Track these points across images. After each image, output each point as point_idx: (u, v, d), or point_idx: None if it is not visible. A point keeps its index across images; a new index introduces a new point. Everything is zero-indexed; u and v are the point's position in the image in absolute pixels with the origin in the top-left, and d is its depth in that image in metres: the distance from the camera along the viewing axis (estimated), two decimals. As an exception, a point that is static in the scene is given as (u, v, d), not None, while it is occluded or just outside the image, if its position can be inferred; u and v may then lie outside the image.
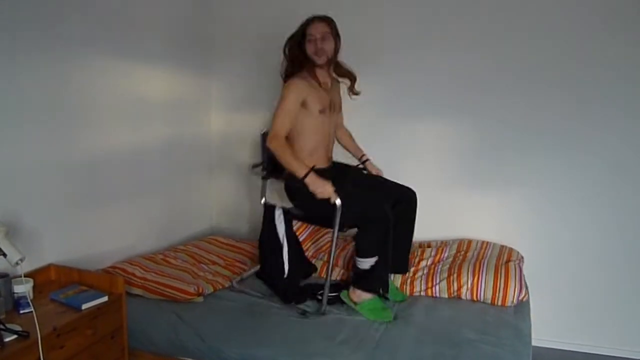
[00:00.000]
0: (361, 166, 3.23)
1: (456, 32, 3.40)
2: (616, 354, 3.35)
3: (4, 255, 2.07)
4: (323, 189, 2.63)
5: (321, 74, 2.90)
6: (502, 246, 3.36)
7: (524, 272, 3.23)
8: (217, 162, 4.07)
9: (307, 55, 2.82)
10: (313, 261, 3.24)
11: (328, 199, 2.63)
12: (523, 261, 3.24)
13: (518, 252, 3.30)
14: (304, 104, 2.80)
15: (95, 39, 2.84)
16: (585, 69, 3.20)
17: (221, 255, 3.39)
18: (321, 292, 2.76)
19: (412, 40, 3.50)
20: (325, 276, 2.77)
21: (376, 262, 2.66)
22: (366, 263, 2.67)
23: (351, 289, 2.74)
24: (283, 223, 2.84)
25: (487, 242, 3.40)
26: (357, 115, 3.43)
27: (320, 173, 2.71)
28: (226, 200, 4.11)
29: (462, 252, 3.27)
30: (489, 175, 3.48)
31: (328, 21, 2.84)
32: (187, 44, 3.69)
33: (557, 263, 3.41)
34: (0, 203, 2.34)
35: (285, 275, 2.80)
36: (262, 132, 3.01)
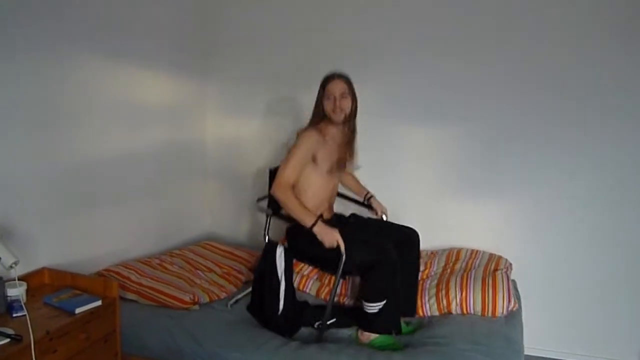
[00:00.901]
0: (366, 203, 3.23)
1: (450, 38, 3.41)
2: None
3: (-2, 258, 2.08)
4: (332, 236, 2.60)
5: (335, 131, 2.90)
6: (491, 254, 3.37)
7: (516, 280, 3.25)
8: (212, 167, 4.08)
9: (325, 112, 2.84)
10: (310, 282, 3.22)
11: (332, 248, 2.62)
12: (511, 268, 3.25)
13: (506, 260, 3.31)
14: (313, 159, 2.80)
15: (91, 43, 2.84)
16: (578, 76, 3.22)
17: (217, 262, 3.39)
18: (319, 322, 2.74)
19: (406, 45, 3.51)
20: (325, 316, 2.73)
21: (385, 305, 2.62)
22: (375, 307, 2.63)
23: (360, 332, 2.71)
24: (283, 262, 2.79)
25: (477, 251, 3.40)
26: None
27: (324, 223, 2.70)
28: (221, 205, 4.12)
29: (451, 264, 3.27)
30: (480, 183, 3.50)
31: (346, 80, 2.85)
32: (184, 48, 3.69)
33: (549, 271, 3.42)
34: (-4, 206, 2.34)
35: (279, 313, 2.78)
36: (270, 169, 3.00)
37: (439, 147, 3.55)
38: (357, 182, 3.31)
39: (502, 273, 3.08)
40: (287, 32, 3.72)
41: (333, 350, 2.45)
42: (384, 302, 2.61)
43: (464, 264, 3.24)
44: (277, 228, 3.27)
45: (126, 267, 3.01)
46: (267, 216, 3.02)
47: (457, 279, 3.03)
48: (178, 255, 3.40)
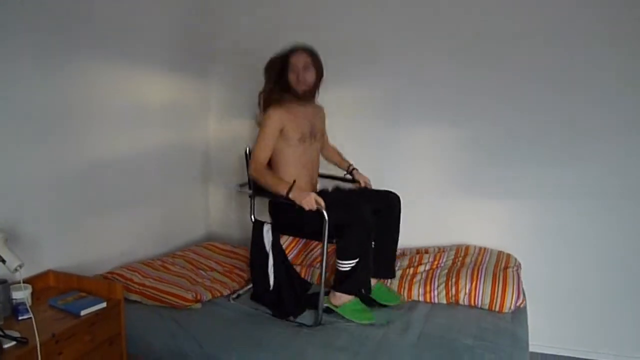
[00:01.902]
0: (349, 176, 3.27)
1: (453, 37, 3.41)
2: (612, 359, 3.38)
3: (3, 261, 2.08)
4: (308, 198, 2.65)
5: (301, 102, 2.94)
6: (500, 252, 3.37)
7: (522, 278, 3.25)
8: (214, 169, 4.08)
9: (289, 83, 2.87)
10: (310, 271, 3.25)
11: (313, 214, 2.65)
12: (521, 268, 3.25)
13: (516, 259, 3.31)
14: (282, 133, 2.85)
15: (94, 46, 2.84)
16: (583, 78, 3.21)
17: (219, 262, 3.40)
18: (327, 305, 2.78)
19: (409, 44, 3.51)
20: (320, 287, 2.77)
21: (356, 263, 2.67)
22: (346, 265, 2.68)
23: (331, 292, 2.77)
24: (270, 238, 2.87)
25: (485, 249, 3.41)
26: (352, 120, 3.44)
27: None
28: (223, 207, 4.11)
29: (460, 258, 3.28)
30: (486, 182, 3.49)
31: (310, 52, 2.89)
32: (186, 49, 3.70)
33: (554, 269, 3.41)
34: (0, 210, 2.34)
35: (271, 287, 2.81)
36: (246, 150, 3.02)
37: (444, 147, 3.55)
38: (339, 155, 3.35)
39: (512, 270, 3.09)
40: (291, 32, 3.71)
41: (336, 348, 2.45)
42: (356, 260, 2.66)
43: (473, 259, 3.25)
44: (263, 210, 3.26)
45: (129, 269, 3.02)
46: (250, 197, 3.06)
47: (468, 270, 3.05)
48: (180, 256, 3.40)
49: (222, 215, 4.13)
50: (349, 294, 2.73)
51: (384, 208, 2.94)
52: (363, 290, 2.78)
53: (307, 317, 2.78)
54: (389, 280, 3.05)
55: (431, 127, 3.56)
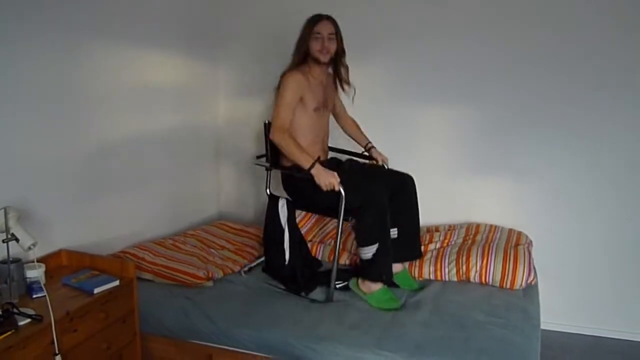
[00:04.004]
0: (366, 154, 3.24)
1: (465, 18, 3.38)
2: (622, 337, 3.37)
3: (17, 240, 2.10)
4: (328, 180, 2.64)
5: (319, 71, 2.94)
6: (511, 230, 3.37)
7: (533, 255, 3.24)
8: (224, 149, 4.08)
9: (310, 52, 2.85)
10: (321, 248, 3.25)
11: (330, 191, 2.65)
12: (532, 245, 3.24)
13: (527, 236, 3.31)
14: (301, 99, 2.84)
15: (105, 28, 2.84)
16: (595, 58, 3.18)
17: (230, 240, 3.41)
18: (338, 282, 2.79)
19: (421, 25, 3.48)
20: (332, 263, 2.78)
21: (377, 249, 2.67)
22: (368, 252, 2.68)
23: (360, 280, 2.76)
24: (286, 213, 2.87)
25: (496, 227, 3.40)
26: (364, 100, 3.42)
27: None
28: (234, 186, 4.13)
29: (471, 236, 3.27)
30: (496, 162, 3.48)
31: (334, 22, 2.88)
32: (195, 30, 3.68)
33: (564, 248, 3.41)
34: (12, 189, 2.36)
35: (287, 262, 2.82)
36: (265, 122, 3.01)
37: (455, 126, 3.54)
38: (359, 129, 3.32)
39: (523, 247, 3.08)
40: (300, 13, 3.68)
41: (348, 326, 2.46)
42: (377, 245, 2.65)
43: (484, 236, 3.25)
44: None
45: (141, 249, 3.03)
46: (266, 170, 3.06)
47: (479, 248, 3.04)
48: (191, 235, 3.41)
49: (232, 195, 4.14)
50: (376, 281, 2.71)
51: (399, 191, 2.92)
52: (384, 277, 2.74)
53: (318, 293, 2.79)
54: (406, 264, 3.03)
55: (442, 107, 3.54)
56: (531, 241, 3.28)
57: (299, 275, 2.80)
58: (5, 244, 2.09)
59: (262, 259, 3.09)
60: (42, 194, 2.52)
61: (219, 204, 4.16)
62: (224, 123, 4.06)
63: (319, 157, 2.74)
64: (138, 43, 3.12)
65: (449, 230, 3.38)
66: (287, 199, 2.91)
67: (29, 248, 2.11)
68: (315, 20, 2.85)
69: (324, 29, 2.83)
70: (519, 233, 3.33)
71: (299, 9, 3.64)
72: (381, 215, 2.66)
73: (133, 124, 3.14)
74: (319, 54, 2.85)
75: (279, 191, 3.04)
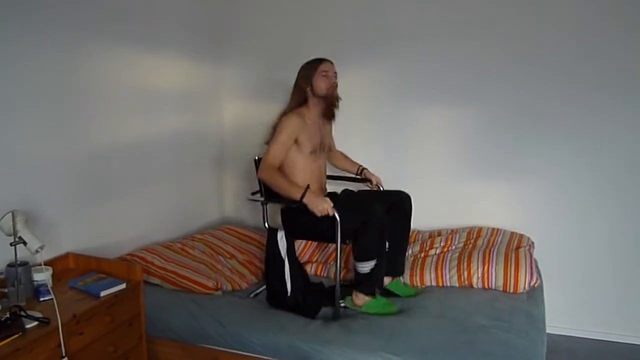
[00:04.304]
0: (359, 177, 3.29)
1: (466, 18, 3.39)
2: (626, 341, 3.36)
3: (24, 243, 2.12)
4: (322, 205, 2.68)
5: (316, 112, 2.98)
6: (513, 233, 3.36)
7: (536, 258, 3.24)
8: (229, 152, 4.09)
9: (315, 90, 2.91)
10: (326, 268, 3.26)
11: (325, 217, 2.68)
12: (534, 247, 3.24)
13: (529, 238, 3.30)
14: (296, 141, 2.89)
15: (107, 28, 2.86)
16: (596, 58, 3.19)
17: (237, 247, 3.42)
18: (343, 303, 2.80)
19: (422, 26, 3.49)
20: (335, 283, 2.78)
21: (375, 265, 2.70)
22: (366, 267, 2.71)
23: (354, 294, 2.78)
24: (285, 244, 2.89)
25: (498, 230, 3.40)
26: (364, 102, 3.44)
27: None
28: (237, 190, 4.13)
29: (472, 240, 3.27)
30: (497, 164, 3.48)
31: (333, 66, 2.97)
32: (201, 34, 3.71)
33: (568, 250, 3.41)
34: (20, 193, 2.38)
35: (289, 294, 2.83)
36: (255, 159, 3.05)
37: (456, 129, 3.54)
38: (347, 158, 3.38)
39: (525, 250, 3.08)
40: (304, 16, 3.71)
41: (354, 331, 2.47)
42: (375, 261, 2.69)
43: (485, 241, 3.25)
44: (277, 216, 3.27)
45: (150, 252, 3.05)
46: (262, 205, 3.10)
47: (480, 253, 3.05)
48: (199, 239, 3.42)
49: (236, 198, 4.15)
50: (370, 295, 2.74)
51: (396, 206, 2.95)
52: (378, 290, 2.79)
53: (324, 312, 2.76)
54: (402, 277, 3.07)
55: (443, 108, 3.54)
56: (533, 243, 3.28)
57: (302, 305, 2.80)
58: (12, 247, 2.11)
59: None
60: (49, 198, 2.54)
61: (222, 208, 4.17)
62: (229, 126, 4.07)
63: (308, 186, 2.77)
64: (143, 45, 3.14)
65: (450, 234, 3.38)
66: (284, 231, 2.93)
67: (37, 251, 2.13)
68: (320, 60, 2.93)
69: (330, 68, 2.93)
70: (521, 235, 3.32)
71: (304, 12, 3.67)
72: (381, 233, 2.70)
73: (139, 127, 3.16)
74: (327, 91, 2.92)
75: (277, 224, 3.06)
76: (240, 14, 3.90)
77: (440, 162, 3.59)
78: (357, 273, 2.76)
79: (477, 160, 3.53)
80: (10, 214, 2.11)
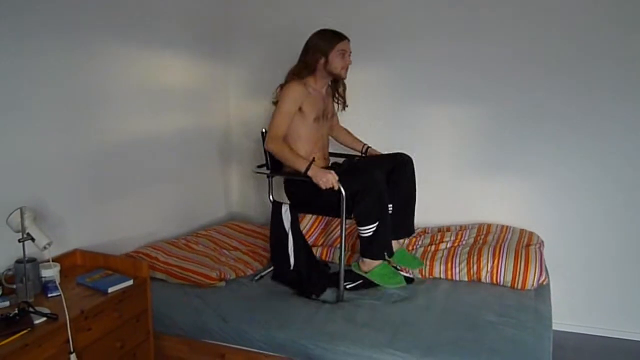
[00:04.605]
0: (364, 155, 3.30)
1: (471, 20, 3.38)
2: (633, 338, 3.36)
3: (32, 239, 2.13)
4: (326, 178, 2.69)
5: (322, 83, 3.00)
6: (522, 230, 3.36)
7: (544, 255, 3.23)
8: (234, 150, 4.10)
9: (329, 66, 2.89)
10: (331, 251, 3.27)
11: (329, 189, 2.69)
12: (543, 245, 3.24)
13: (538, 237, 3.30)
14: (300, 109, 2.89)
15: (112, 26, 2.86)
16: (603, 58, 3.17)
17: (242, 241, 3.43)
18: (347, 283, 2.81)
19: (428, 27, 3.49)
20: (339, 264, 2.80)
21: (377, 227, 2.71)
22: (368, 230, 2.72)
23: (360, 259, 2.81)
24: (289, 218, 2.91)
25: (507, 227, 3.40)
26: (369, 100, 3.43)
27: None
28: (243, 187, 4.14)
29: (482, 236, 3.27)
30: (505, 161, 3.48)
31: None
32: (206, 32, 3.71)
33: (573, 248, 3.40)
34: (27, 190, 2.39)
35: (292, 268, 2.85)
36: (262, 131, 3.05)
37: (467, 126, 3.53)
38: (352, 135, 3.38)
39: (535, 248, 3.08)
40: (310, 13, 3.70)
41: (359, 324, 2.47)
42: (376, 224, 2.70)
43: (495, 236, 3.25)
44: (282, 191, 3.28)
45: (154, 248, 3.06)
46: (268, 177, 3.09)
47: (490, 248, 3.05)
48: (204, 235, 3.44)
49: (242, 195, 4.16)
50: (375, 259, 2.76)
51: (396, 168, 2.95)
52: (386, 255, 2.80)
53: (328, 294, 2.79)
54: (404, 242, 3.09)
55: (449, 108, 3.54)
56: (542, 241, 3.27)
57: (305, 278, 2.82)
58: (21, 244, 2.12)
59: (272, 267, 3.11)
60: (56, 195, 2.55)
61: (229, 205, 4.17)
62: (234, 124, 4.08)
63: (313, 159, 2.79)
64: (149, 43, 3.15)
65: (460, 230, 3.38)
66: (289, 205, 2.94)
67: (44, 248, 2.14)
68: (340, 37, 2.90)
69: (348, 47, 2.91)
70: (530, 233, 3.32)
71: (309, 11, 3.67)
72: (379, 196, 2.70)
73: (145, 125, 3.17)
74: (342, 71, 2.91)
75: (282, 197, 3.07)
76: (245, 12, 3.89)
77: (447, 161, 3.59)
78: (361, 238, 2.76)
79: (483, 159, 3.52)
80: (19, 210, 2.12)
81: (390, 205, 2.87)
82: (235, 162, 4.13)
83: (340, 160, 3.31)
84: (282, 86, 2.94)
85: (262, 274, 3.00)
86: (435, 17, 3.46)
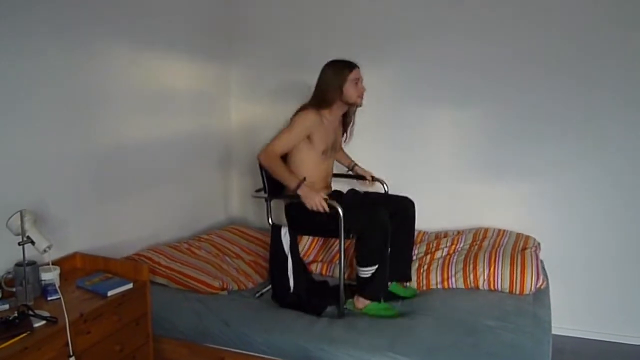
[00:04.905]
0: (350, 172, 3.34)
1: (472, 20, 3.39)
2: (632, 342, 3.36)
3: (32, 242, 2.13)
4: (315, 199, 2.71)
5: (337, 113, 3.00)
6: (519, 234, 3.36)
7: (541, 259, 3.23)
8: (236, 153, 4.10)
9: (344, 96, 2.88)
10: (331, 267, 3.27)
11: (329, 213, 2.70)
12: (540, 248, 3.24)
13: (535, 239, 3.30)
14: (309, 138, 2.89)
15: (116, 28, 2.87)
16: (603, 60, 3.18)
17: (243, 248, 3.43)
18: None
19: (428, 28, 3.50)
20: (339, 281, 2.79)
21: (377, 269, 2.72)
22: (368, 271, 2.73)
23: (356, 297, 2.79)
24: (289, 240, 2.91)
25: (504, 231, 3.40)
26: (372, 102, 3.43)
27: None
28: (244, 191, 4.13)
29: (478, 242, 3.27)
30: (504, 165, 3.48)
31: None
32: (207, 34, 3.72)
33: (572, 251, 3.40)
34: (28, 192, 2.40)
35: (292, 290, 2.85)
36: (258, 157, 3.00)
37: (462, 130, 3.54)
38: (342, 151, 3.37)
39: (531, 251, 3.08)
40: (311, 16, 3.71)
41: (359, 330, 2.47)
42: (376, 266, 2.71)
43: (491, 242, 3.25)
44: (281, 213, 3.27)
45: (156, 252, 3.06)
46: (266, 201, 3.10)
47: (486, 255, 3.04)
48: (206, 240, 3.43)
49: (242, 200, 4.16)
50: (372, 300, 2.76)
51: (399, 212, 2.96)
52: (381, 296, 2.80)
53: (329, 311, 2.78)
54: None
55: (448, 110, 3.55)
56: (539, 244, 3.28)
57: (305, 301, 2.81)
58: (21, 247, 2.12)
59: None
60: (57, 198, 2.55)
61: (229, 209, 4.18)
62: (236, 127, 4.08)
63: (304, 178, 2.80)
64: (150, 45, 3.16)
65: (456, 236, 3.38)
66: (288, 227, 2.94)
67: (44, 251, 2.14)
68: (352, 66, 2.89)
69: (359, 74, 2.91)
70: (527, 237, 3.32)
71: (312, 13, 3.68)
72: (384, 238, 2.72)
73: (146, 128, 3.18)
74: (357, 99, 2.92)
75: (280, 220, 3.08)
76: (248, 15, 3.90)
77: (446, 163, 3.59)
78: (359, 278, 2.77)
79: (483, 161, 3.52)
80: (19, 213, 2.12)
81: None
82: (236, 166, 4.13)
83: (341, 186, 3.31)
84: (300, 109, 2.94)
85: (263, 291, 3.00)
86: (435, 17, 3.47)
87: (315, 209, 2.72)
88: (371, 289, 2.75)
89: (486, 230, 3.41)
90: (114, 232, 2.95)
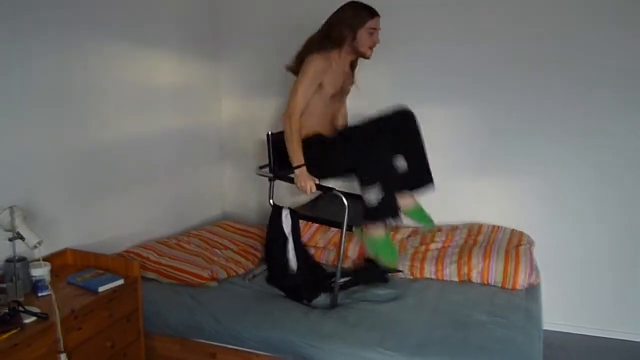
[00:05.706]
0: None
1: (464, 20, 3.39)
2: (622, 337, 3.37)
3: (22, 238, 2.12)
4: (306, 183, 2.74)
5: (347, 59, 2.92)
6: (513, 230, 3.37)
7: (534, 256, 3.25)
8: (228, 149, 4.09)
9: (356, 43, 2.80)
10: (325, 253, 3.27)
11: (344, 150, 2.72)
12: (534, 245, 3.25)
13: (529, 236, 3.31)
14: (320, 84, 2.80)
15: (105, 26, 2.86)
16: (593, 58, 3.18)
17: (234, 240, 3.42)
18: (333, 280, 2.78)
19: (422, 27, 3.49)
20: (336, 268, 2.78)
21: (380, 190, 2.59)
22: (370, 193, 2.60)
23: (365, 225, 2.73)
24: (290, 223, 2.86)
25: (498, 227, 3.41)
26: (366, 101, 3.43)
27: (322, 140, 2.84)
28: (237, 187, 4.13)
29: (473, 236, 3.28)
30: (497, 162, 3.48)
31: None
32: (196, 29, 3.70)
33: (566, 248, 3.41)
34: (18, 188, 2.39)
35: (291, 273, 2.82)
36: (268, 134, 2.97)
37: (456, 126, 3.53)
38: (345, 118, 3.28)
39: (525, 248, 3.10)
40: (302, 11, 3.70)
41: (350, 324, 2.47)
42: (378, 185, 2.60)
43: (486, 237, 3.26)
44: (281, 194, 3.27)
45: (145, 248, 3.05)
46: (269, 180, 3.04)
47: (480, 248, 3.06)
48: (195, 235, 3.43)
49: (236, 195, 4.15)
50: (377, 220, 2.66)
51: (400, 125, 2.84)
52: (392, 218, 2.69)
53: (321, 299, 2.78)
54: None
55: (443, 109, 3.53)
56: (533, 241, 3.29)
57: (300, 284, 2.79)
58: (11, 243, 2.12)
59: (265, 268, 3.08)
60: (47, 194, 2.54)
61: (223, 204, 4.17)
62: (227, 123, 4.07)
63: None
64: (140, 42, 3.14)
65: (451, 230, 3.39)
66: (290, 209, 2.90)
67: (35, 247, 2.13)
68: (372, 13, 2.78)
69: (378, 25, 2.80)
70: (521, 233, 3.33)
71: (301, 8, 3.66)
72: (377, 150, 2.64)
73: (137, 124, 3.16)
74: (368, 50, 2.83)
75: (282, 201, 3.06)
76: (236, 10, 3.88)
77: (440, 161, 3.57)
78: (363, 202, 2.66)
79: (476, 159, 3.53)
80: (9, 209, 2.11)
81: (402, 159, 2.81)
82: (228, 162, 4.12)
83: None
84: (300, 55, 2.85)
85: (256, 273, 2.99)
86: (434, 17, 3.46)
87: (302, 191, 2.75)
88: (376, 211, 2.63)
89: (481, 226, 3.42)
90: (105, 228, 2.94)
